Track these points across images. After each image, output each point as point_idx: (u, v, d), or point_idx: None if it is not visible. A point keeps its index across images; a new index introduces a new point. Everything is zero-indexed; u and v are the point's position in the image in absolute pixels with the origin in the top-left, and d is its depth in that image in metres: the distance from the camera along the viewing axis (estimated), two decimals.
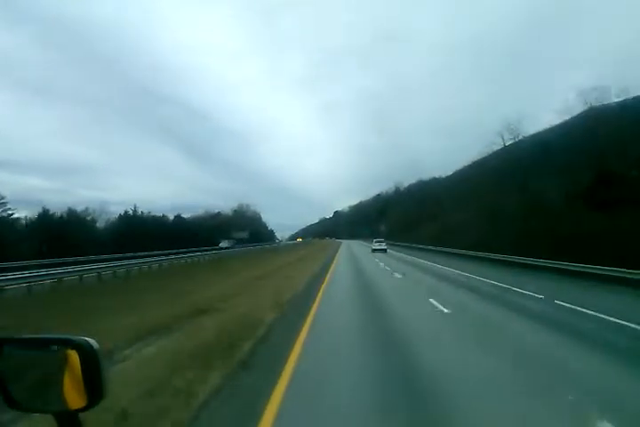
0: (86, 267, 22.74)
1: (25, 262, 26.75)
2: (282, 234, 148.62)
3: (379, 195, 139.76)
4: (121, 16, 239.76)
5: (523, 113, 53.85)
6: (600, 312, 9.64)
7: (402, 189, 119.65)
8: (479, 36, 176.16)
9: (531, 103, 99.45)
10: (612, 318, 9.01)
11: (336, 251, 52.87)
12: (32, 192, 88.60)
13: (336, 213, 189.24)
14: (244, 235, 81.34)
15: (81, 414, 1.19)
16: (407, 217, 78.76)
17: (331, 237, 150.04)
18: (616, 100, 33.51)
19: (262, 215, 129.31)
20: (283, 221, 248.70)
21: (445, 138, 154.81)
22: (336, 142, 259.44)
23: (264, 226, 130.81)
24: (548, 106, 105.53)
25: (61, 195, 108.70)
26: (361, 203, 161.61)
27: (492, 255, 28.10)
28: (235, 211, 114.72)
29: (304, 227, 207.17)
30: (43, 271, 19.27)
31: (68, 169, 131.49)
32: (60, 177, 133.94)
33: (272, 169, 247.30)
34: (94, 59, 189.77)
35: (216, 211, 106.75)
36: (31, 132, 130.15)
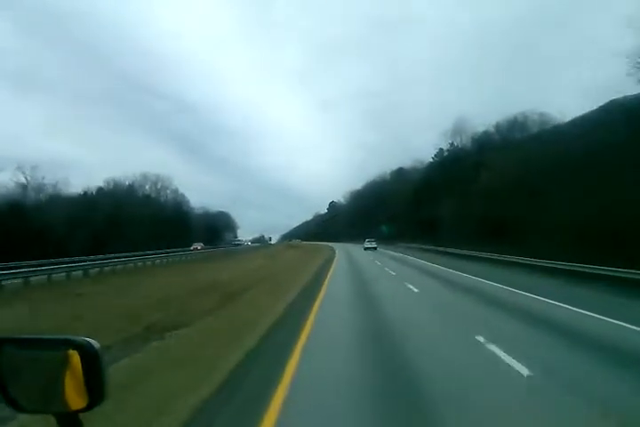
0: None
1: None
2: (269, 234, 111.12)
3: (401, 168, 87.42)
4: (109, 4, 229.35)
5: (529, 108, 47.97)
6: None
7: (458, 145, 60.00)
8: (483, 28, 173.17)
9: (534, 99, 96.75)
10: None
11: None
12: None
13: (332, 204, 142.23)
14: None
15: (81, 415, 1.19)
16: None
17: (293, 239, 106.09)
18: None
19: (191, 198, 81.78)
20: (279, 221, 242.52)
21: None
22: (332, 137, 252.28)
23: (187, 214, 78.19)
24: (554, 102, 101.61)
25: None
26: (367, 185, 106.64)
27: None
28: (129, 186, 68.51)
29: (298, 225, 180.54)
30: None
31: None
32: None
33: (264, 166, 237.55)
34: (85, 51, 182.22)
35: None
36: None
